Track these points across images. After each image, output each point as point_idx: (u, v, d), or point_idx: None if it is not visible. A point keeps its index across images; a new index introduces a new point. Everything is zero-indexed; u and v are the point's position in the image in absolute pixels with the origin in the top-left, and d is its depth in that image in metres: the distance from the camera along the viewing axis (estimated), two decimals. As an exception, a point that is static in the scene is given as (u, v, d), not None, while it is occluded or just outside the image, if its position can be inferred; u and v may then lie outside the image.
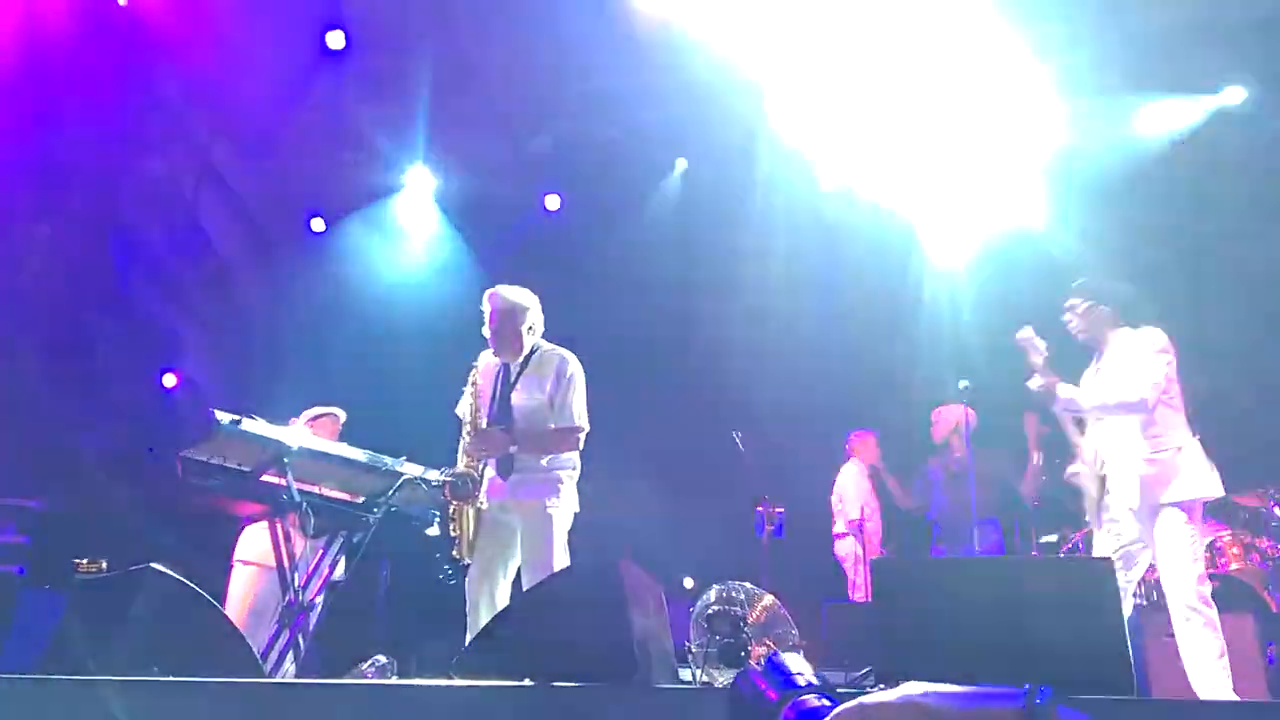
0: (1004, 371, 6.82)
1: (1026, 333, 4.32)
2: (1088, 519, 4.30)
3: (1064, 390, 4.16)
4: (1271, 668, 4.52)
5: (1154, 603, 5.31)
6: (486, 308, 4.20)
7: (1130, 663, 2.79)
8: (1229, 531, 5.80)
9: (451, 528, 4.00)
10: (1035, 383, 4.22)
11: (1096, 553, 4.18)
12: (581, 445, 4.14)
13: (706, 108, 7.84)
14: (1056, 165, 7.49)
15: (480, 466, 4.02)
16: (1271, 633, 4.70)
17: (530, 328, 4.20)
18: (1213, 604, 3.82)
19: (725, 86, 7.59)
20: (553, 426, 4.09)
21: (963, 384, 5.58)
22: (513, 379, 4.17)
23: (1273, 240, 7.04)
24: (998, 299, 7.47)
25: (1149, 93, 7.32)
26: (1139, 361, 4.09)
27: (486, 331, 4.18)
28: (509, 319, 4.15)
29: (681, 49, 7.28)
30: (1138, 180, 7.37)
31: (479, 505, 3.98)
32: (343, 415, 5.53)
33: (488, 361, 4.26)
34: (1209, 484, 4.02)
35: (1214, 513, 6.57)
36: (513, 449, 4.01)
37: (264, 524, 4.33)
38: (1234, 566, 5.53)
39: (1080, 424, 4.38)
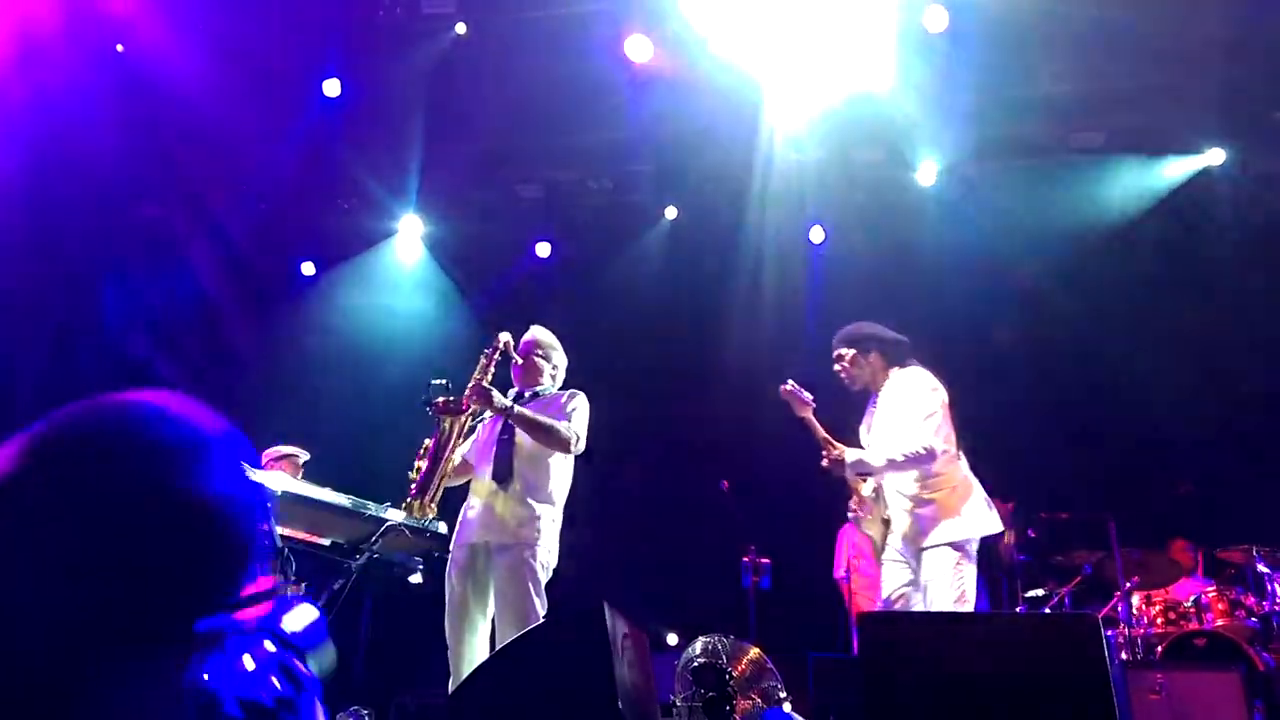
0: (991, 424, 6.90)
1: (789, 386, 4.17)
2: (878, 561, 4.25)
3: (851, 455, 3.99)
4: (1258, 726, 4.50)
5: (1140, 659, 5.29)
6: (523, 339, 4.30)
7: (1116, 719, 2.78)
8: (1214, 588, 5.80)
9: (414, 470, 3.89)
10: (824, 460, 4.03)
11: (884, 591, 4.06)
12: (571, 453, 4.12)
13: (697, 158, 7.96)
14: (1044, 223, 7.63)
15: (474, 402, 3.94)
16: (1258, 690, 4.68)
17: (555, 368, 4.32)
18: None
19: (716, 136, 7.72)
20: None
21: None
22: (525, 400, 4.24)
23: (1255, 296, 7.16)
24: (981, 348, 7.55)
25: (1131, 152, 7.48)
26: (915, 409, 3.98)
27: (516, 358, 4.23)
28: (537, 348, 4.29)
29: (673, 99, 7.41)
30: (1119, 239, 7.51)
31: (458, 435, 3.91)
32: (304, 455, 5.50)
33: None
34: (983, 523, 3.92)
35: (1201, 570, 6.61)
36: (512, 410, 3.97)
37: None
38: (1219, 623, 5.53)
39: None
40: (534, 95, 7.56)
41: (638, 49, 6.84)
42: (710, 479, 6.33)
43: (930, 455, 3.86)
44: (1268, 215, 7.17)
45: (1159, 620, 5.69)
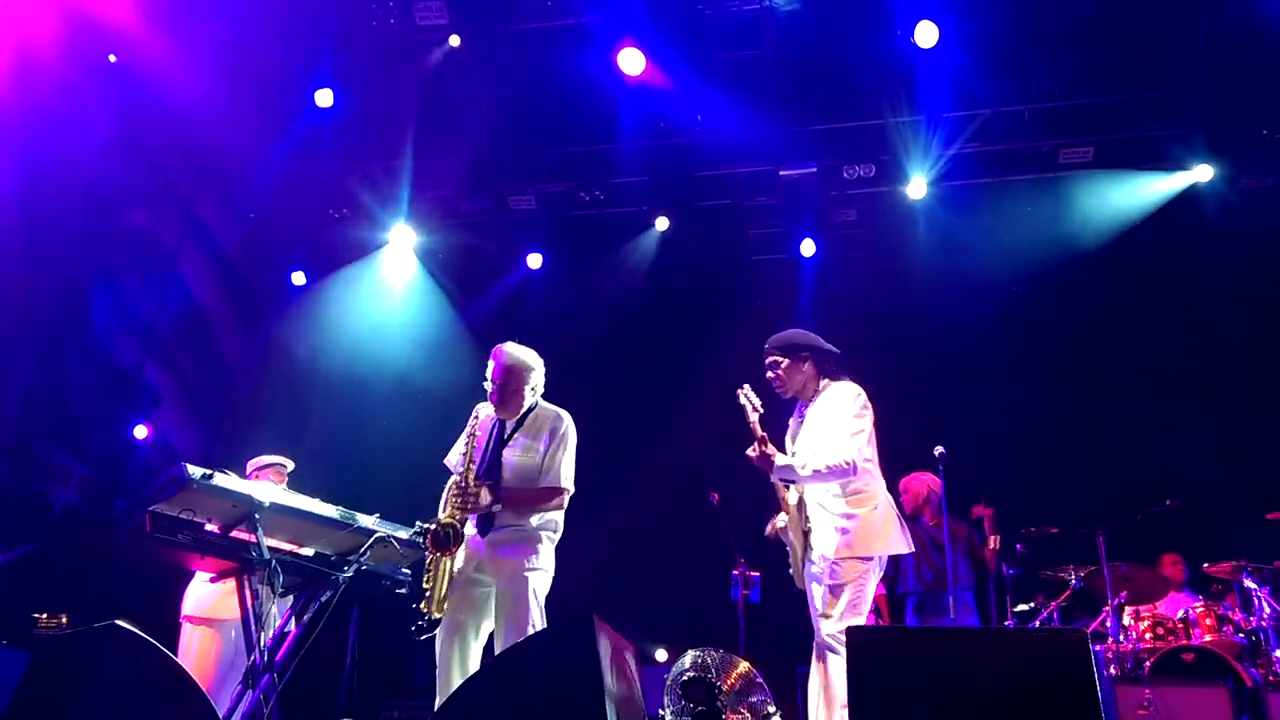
0: (980, 438, 6.91)
1: (746, 390, 4.24)
2: (791, 572, 4.27)
3: (781, 460, 4.06)
4: (1245, 742, 4.51)
5: (1128, 674, 5.29)
6: (491, 363, 4.22)
7: (1104, 736, 2.78)
8: (1202, 603, 5.81)
9: (425, 579, 3.94)
10: (753, 451, 4.10)
11: (811, 603, 4.10)
12: (565, 506, 4.14)
13: (689, 170, 7.98)
14: (1033, 238, 7.68)
15: (462, 518, 3.98)
16: (1245, 705, 4.69)
17: (533, 388, 4.24)
18: None
19: (707, 149, 7.76)
20: (539, 486, 4.08)
21: (938, 451, 5.59)
22: (507, 435, 4.18)
23: (1242, 311, 7.21)
24: (971, 363, 7.57)
25: (1120, 168, 7.53)
26: (842, 423, 4.05)
27: (488, 385, 4.19)
28: (513, 377, 4.18)
29: (664, 113, 7.45)
30: (1107, 255, 7.55)
31: (455, 563, 3.94)
32: (289, 465, 5.46)
33: (485, 415, 4.26)
34: (894, 543, 4.03)
35: (1189, 585, 6.63)
36: (496, 509, 4.00)
37: (208, 577, 4.27)
38: (1207, 638, 5.54)
39: None
40: (526, 107, 7.58)
41: (630, 62, 6.87)
42: (700, 492, 6.32)
43: (852, 469, 3.95)
44: (1254, 231, 7.22)
45: (1147, 635, 5.69)
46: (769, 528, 4.29)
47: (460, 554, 4.01)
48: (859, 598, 3.90)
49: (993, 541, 6.17)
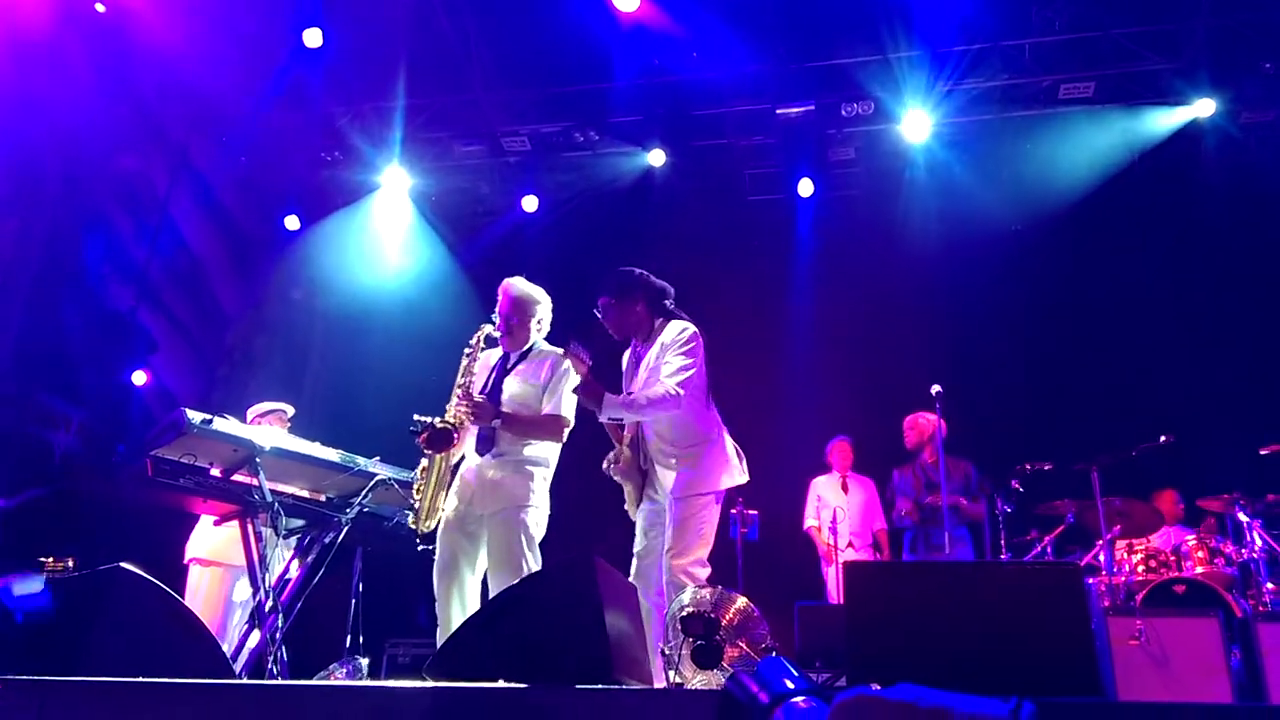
0: (975, 376, 6.93)
1: (574, 350, 4.04)
2: (627, 507, 4.27)
3: (610, 398, 3.93)
4: (1235, 671, 4.59)
5: (1120, 605, 5.38)
6: (499, 296, 4.24)
7: (1098, 665, 2.83)
8: (1194, 536, 5.88)
9: (415, 490, 3.96)
10: (582, 391, 3.97)
11: (637, 544, 4.11)
12: (563, 438, 4.16)
13: (685, 109, 7.88)
14: (1031, 174, 7.63)
15: (460, 423, 3.96)
16: (1235, 636, 4.77)
17: (539, 321, 4.28)
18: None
19: (704, 88, 7.65)
20: (540, 413, 4.10)
21: (935, 389, 5.63)
22: (510, 366, 4.22)
23: (1240, 246, 7.19)
24: (968, 300, 7.56)
25: (1121, 103, 7.44)
26: (668, 357, 4.00)
27: (495, 320, 4.19)
28: (520, 309, 4.23)
29: (659, 51, 7.33)
30: (1106, 191, 7.50)
31: (447, 464, 3.96)
32: (290, 410, 5.49)
33: (488, 353, 4.27)
34: (732, 476, 4.04)
35: (1183, 519, 6.71)
36: (496, 423, 4.01)
37: (213, 520, 4.33)
38: (1199, 570, 5.61)
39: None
40: (519, 44, 7.45)
41: (624, -2, 6.73)
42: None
43: (674, 401, 3.89)
44: (1256, 166, 7.17)
45: (1140, 568, 5.77)
46: (605, 465, 4.26)
47: (451, 495, 4.04)
48: (705, 531, 3.93)
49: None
